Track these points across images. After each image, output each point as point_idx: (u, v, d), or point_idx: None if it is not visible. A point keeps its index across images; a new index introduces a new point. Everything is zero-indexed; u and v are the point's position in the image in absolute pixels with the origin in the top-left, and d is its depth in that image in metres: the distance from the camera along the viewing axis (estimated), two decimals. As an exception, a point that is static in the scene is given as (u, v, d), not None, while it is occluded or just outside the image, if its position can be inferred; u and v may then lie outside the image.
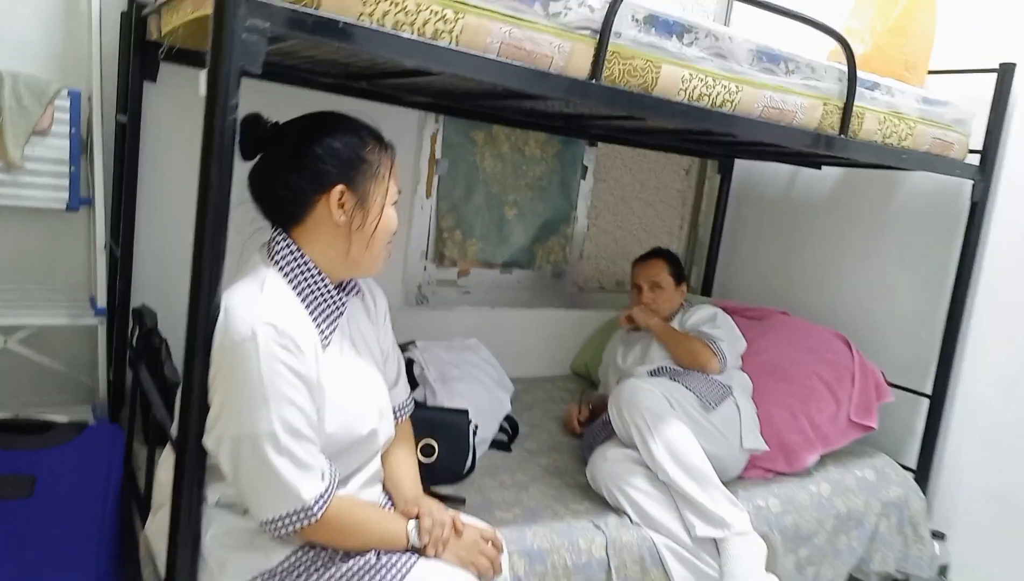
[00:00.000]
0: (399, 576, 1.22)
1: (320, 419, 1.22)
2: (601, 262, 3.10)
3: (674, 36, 1.54)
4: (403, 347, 2.18)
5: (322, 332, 1.27)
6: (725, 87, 1.63)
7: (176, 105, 2.05)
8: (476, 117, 2.51)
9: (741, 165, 3.21)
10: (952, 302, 2.37)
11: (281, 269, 1.26)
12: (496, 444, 2.18)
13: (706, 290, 3.30)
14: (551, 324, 2.98)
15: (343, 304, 1.33)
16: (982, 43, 2.34)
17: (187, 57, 1.92)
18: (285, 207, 1.29)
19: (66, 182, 1.83)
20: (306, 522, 1.16)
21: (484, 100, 1.95)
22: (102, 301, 1.89)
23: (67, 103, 1.82)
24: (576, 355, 3.07)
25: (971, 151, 2.26)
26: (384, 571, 1.22)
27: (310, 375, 1.18)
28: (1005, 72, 2.23)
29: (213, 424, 1.15)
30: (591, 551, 1.72)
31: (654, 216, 3.20)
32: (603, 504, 1.90)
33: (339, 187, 1.27)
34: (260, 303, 1.18)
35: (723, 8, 3.09)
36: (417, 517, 1.30)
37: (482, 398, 2.12)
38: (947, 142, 2.15)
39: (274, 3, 1.10)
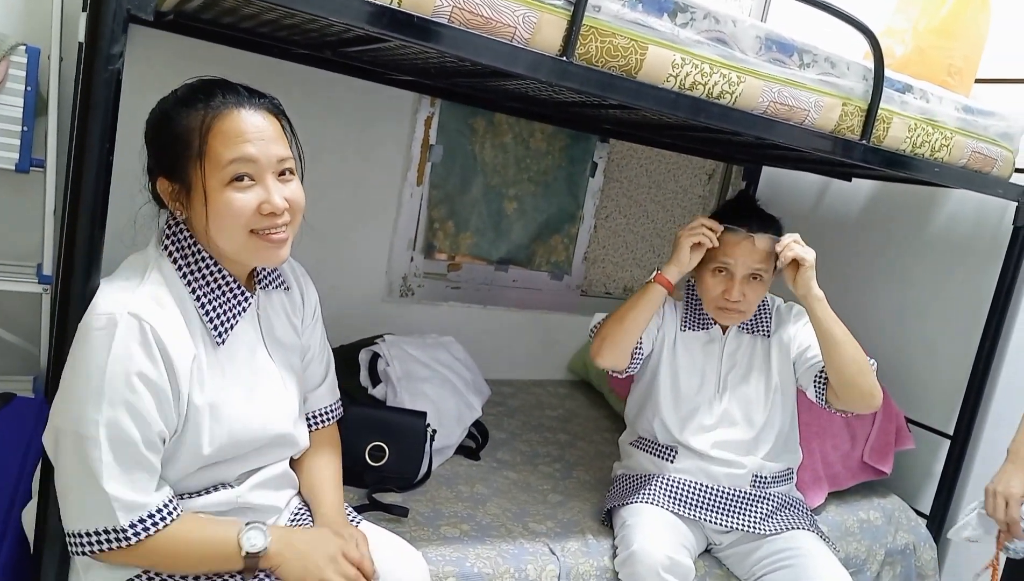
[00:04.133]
0: None
1: (193, 435, 1.08)
2: (608, 266, 2.91)
3: (665, 15, 1.36)
4: (370, 340, 2.03)
5: (215, 328, 1.12)
6: (724, 76, 1.44)
7: (142, 70, 1.93)
8: (475, 103, 2.35)
9: (768, 173, 2.99)
10: (984, 336, 2.13)
11: (171, 256, 1.11)
12: (463, 451, 2.02)
13: (723, 303, 3.09)
14: (547, 327, 2.81)
15: (247, 299, 1.17)
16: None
17: (154, 19, 1.82)
18: (155, 198, 1.15)
19: (17, 142, 1.73)
20: (116, 545, 1.00)
21: (456, 78, 1.79)
22: (48, 269, 1.79)
23: (24, 60, 1.72)
24: (575, 354, 2.89)
25: (1018, 170, 2.01)
26: None
27: (165, 389, 1.03)
28: (1062, 83, 1.98)
29: (51, 410, 1.02)
30: (540, 579, 1.55)
31: (670, 221, 3.00)
32: (568, 527, 1.73)
33: (161, 179, 1.11)
34: (134, 292, 1.04)
35: (759, 8, 2.88)
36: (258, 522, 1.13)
37: (448, 401, 1.97)
38: (989, 157, 1.92)
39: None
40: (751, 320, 1.81)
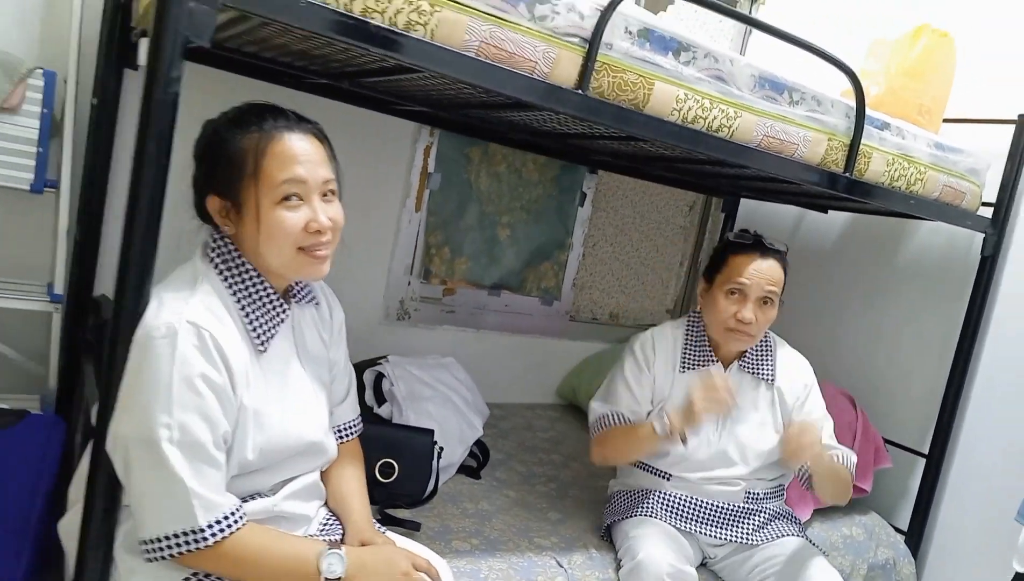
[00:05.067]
0: None
1: (241, 439, 1.13)
2: (595, 292, 3.00)
3: (670, 53, 1.46)
4: (374, 361, 2.08)
5: (258, 337, 1.18)
6: (723, 111, 1.55)
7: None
8: (473, 133, 2.44)
9: (746, 205, 3.12)
10: (955, 359, 2.25)
11: (217, 268, 1.17)
12: (464, 470, 2.07)
13: (703, 330, 3.19)
14: (537, 351, 2.88)
15: (284, 311, 1.23)
16: (1000, 94, 2.25)
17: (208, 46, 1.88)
18: (201, 215, 1.21)
19: (32, 163, 1.76)
20: (195, 547, 1.04)
21: (468, 109, 1.87)
22: (60, 288, 1.82)
23: (41, 83, 1.76)
24: (564, 380, 2.96)
25: (984, 203, 2.16)
26: None
27: (227, 390, 1.09)
28: (1023, 123, 2.14)
29: (112, 421, 1.06)
30: (549, 591, 1.60)
31: (653, 250, 3.11)
32: (571, 542, 1.78)
33: (211, 197, 1.16)
34: (188, 302, 1.09)
35: (739, 38, 3.02)
36: (337, 545, 1.18)
37: (451, 420, 2.02)
38: (959, 191, 2.05)
39: (228, -27, 1.03)
40: (752, 361, 1.82)
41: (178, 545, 1.04)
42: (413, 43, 1.19)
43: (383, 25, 1.16)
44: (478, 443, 2.14)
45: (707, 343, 1.83)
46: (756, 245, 1.76)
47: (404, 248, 2.50)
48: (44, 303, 1.79)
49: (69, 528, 1.23)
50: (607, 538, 1.83)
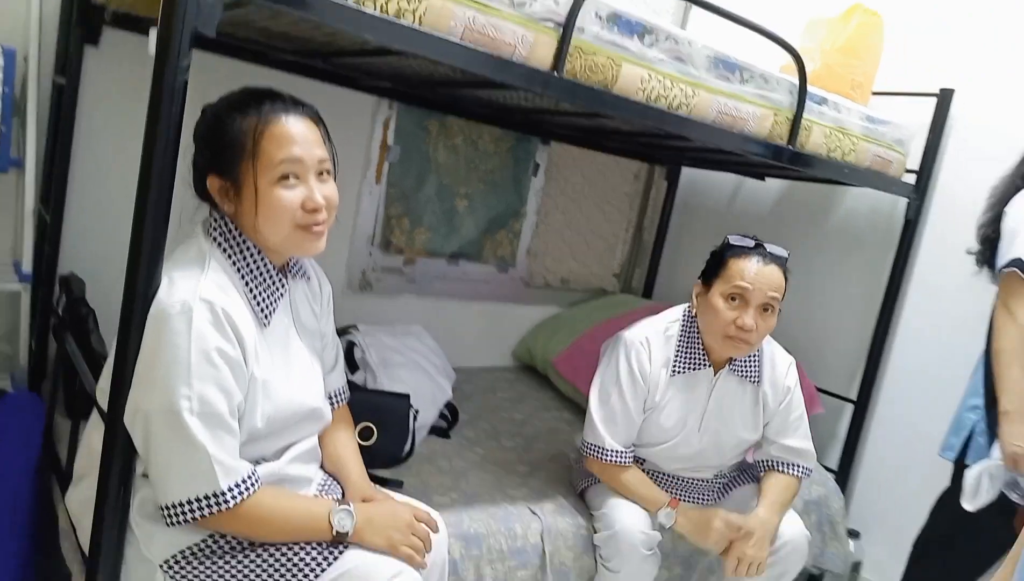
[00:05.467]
0: (326, 565, 1.20)
1: (251, 408, 1.19)
2: (547, 259, 3.12)
3: (636, 36, 1.56)
4: (344, 330, 2.15)
5: (262, 311, 1.24)
6: (682, 90, 1.66)
7: (118, 72, 1.96)
8: (431, 106, 2.49)
9: (687, 173, 3.28)
10: (880, 314, 2.46)
11: (220, 246, 1.22)
12: (435, 430, 2.17)
13: (647, 293, 3.36)
14: (495, 317, 2.99)
15: (284, 285, 1.30)
16: (922, 69, 2.44)
17: (132, 23, 1.86)
18: (200, 194, 1.26)
19: (-5, 141, 1.74)
20: (216, 509, 1.11)
21: (443, 87, 1.94)
22: (27, 266, 1.81)
23: (0, 61, 1.73)
24: (520, 342, 3.09)
25: (908, 170, 2.35)
26: (309, 559, 1.20)
27: (240, 363, 1.15)
28: (944, 97, 2.33)
29: (130, 395, 1.11)
30: (527, 536, 1.73)
31: (602, 217, 3.24)
32: (541, 492, 1.92)
33: (212, 177, 1.21)
34: (200, 279, 1.15)
35: (680, 13, 3.13)
36: (345, 501, 1.27)
37: (423, 384, 2.11)
38: (887, 160, 2.24)
39: (234, -36, 1.07)
40: (743, 363, 1.80)
41: (200, 508, 1.11)
42: (403, 30, 1.25)
43: (376, 13, 1.22)
44: (448, 405, 2.24)
45: (700, 346, 1.78)
46: (757, 249, 1.70)
47: (365, 220, 2.55)
48: (12, 282, 1.78)
49: (80, 500, 1.27)
50: (581, 496, 1.92)
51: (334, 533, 1.22)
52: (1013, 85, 2.25)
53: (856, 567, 2.48)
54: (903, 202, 2.40)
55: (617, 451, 1.76)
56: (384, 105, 2.47)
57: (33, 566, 1.54)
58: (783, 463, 1.85)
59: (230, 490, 1.12)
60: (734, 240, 1.74)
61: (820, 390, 2.61)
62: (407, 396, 1.94)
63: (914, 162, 2.37)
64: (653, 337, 1.80)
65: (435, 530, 1.35)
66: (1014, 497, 1.70)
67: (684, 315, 1.84)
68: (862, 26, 2.28)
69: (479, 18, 1.33)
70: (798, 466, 1.85)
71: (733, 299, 1.68)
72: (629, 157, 3.18)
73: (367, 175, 2.51)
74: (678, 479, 1.90)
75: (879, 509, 2.50)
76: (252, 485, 1.16)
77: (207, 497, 1.11)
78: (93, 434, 1.27)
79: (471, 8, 1.32)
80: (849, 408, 2.55)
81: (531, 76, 1.43)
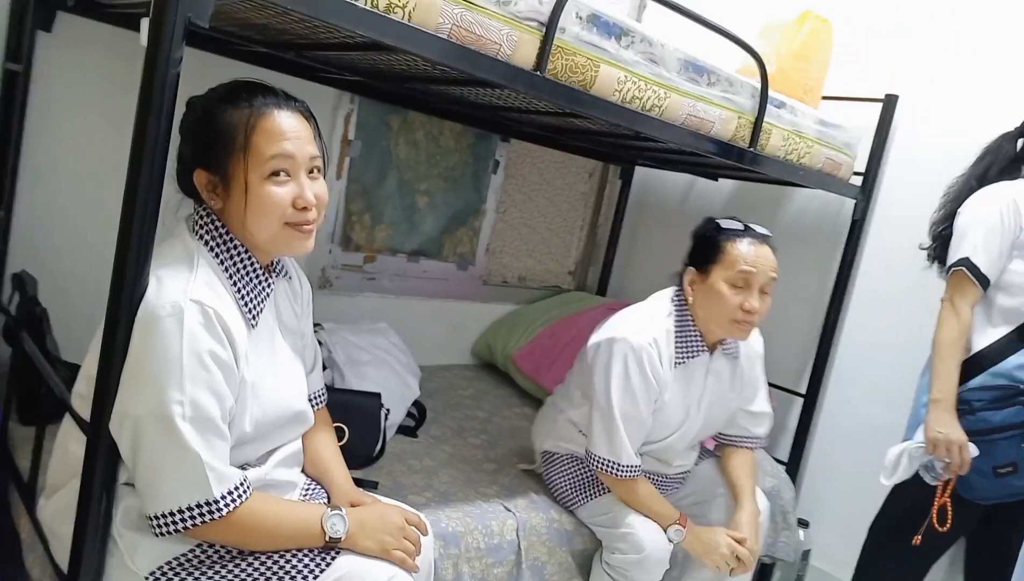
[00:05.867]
0: (318, 571, 1.18)
1: (240, 412, 1.16)
2: (505, 257, 3.13)
3: (613, 37, 1.59)
4: (311, 329, 2.11)
5: (250, 312, 1.21)
6: (655, 92, 1.70)
7: (73, 60, 1.88)
8: (394, 101, 2.47)
9: (641, 172, 3.33)
10: (828, 311, 2.57)
11: (208, 245, 1.19)
12: (402, 429, 2.15)
13: (601, 290, 3.40)
14: (454, 315, 2.98)
15: (270, 285, 1.27)
16: (868, 74, 2.55)
17: (88, 9, 1.79)
18: (185, 190, 1.22)
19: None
20: (208, 518, 1.08)
21: (417, 83, 1.92)
22: (-21, 263, 1.71)
23: (-53, 43, 1.64)
24: (479, 340, 3.09)
25: (855, 173, 2.46)
26: (301, 566, 1.18)
27: (232, 366, 1.12)
28: (889, 102, 2.44)
29: (116, 400, 1.07)
30: (503, 533, 1.74)
31: (557, 215, 3.27)
32: (512, 488, 1.93)
33: (199, 171, 1.18)
34: (189, 279, 1.11)
35: (634, 11, 3.17)
36: (336, 506, 1.25)
37: (391, 382, 2.10)
38: (837, 163, 2.33)
39: (230, -45, 1.04)
40: (731, 343, 1.84)
41: (192, 517, 1.07)
42: (394, 25, 1.24)
43: (368, 8, 1.20)
44: (415, 403, 2.23)
45: (698, 334, 1.78)
46: (748, 231, 1.73)
47: (326, 216, 2.50)
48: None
49: (55, 512, 1.22)
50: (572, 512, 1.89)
51: (327, 538, 1.20)
52: (953, 91, 2.37)
53: (806, 555, 2.58)
54: (850, 203, 2.50)
55: (633, 467, 1.73)
56: (346, 99, 2.44)
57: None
58: (742, 439, 1.95)
59: (223, 498, 1.09)
60: (724, 223, 1.74)
61: (771, 384, 2.69)
62: (378, 395, 1.93)
63: (860, 165, 2.47)
64: (660, 336, 1.75)
65: (424, 533, 1.34)
66: (927, 478, 1.83)
67: (674, 305, 1.81)
68: (814, 32, 2.37)
69: (466, 15, 1.33)
70: (756, 439, 1.96)
71: (738, 285, 1.68)
72: (587, 156, 3.22)
73: (328, 171, 2.47)
74: (660, 474, 1.92)
75: (827, 499, 2.60)
76: (245, 492, 1.13)
77: (199, 505, 1.07)
78: (70, 441, 1.22)
79: (459, 6, 1.32)
80: (799, 402, 2.65)
81: (516, 75, 1.44)
